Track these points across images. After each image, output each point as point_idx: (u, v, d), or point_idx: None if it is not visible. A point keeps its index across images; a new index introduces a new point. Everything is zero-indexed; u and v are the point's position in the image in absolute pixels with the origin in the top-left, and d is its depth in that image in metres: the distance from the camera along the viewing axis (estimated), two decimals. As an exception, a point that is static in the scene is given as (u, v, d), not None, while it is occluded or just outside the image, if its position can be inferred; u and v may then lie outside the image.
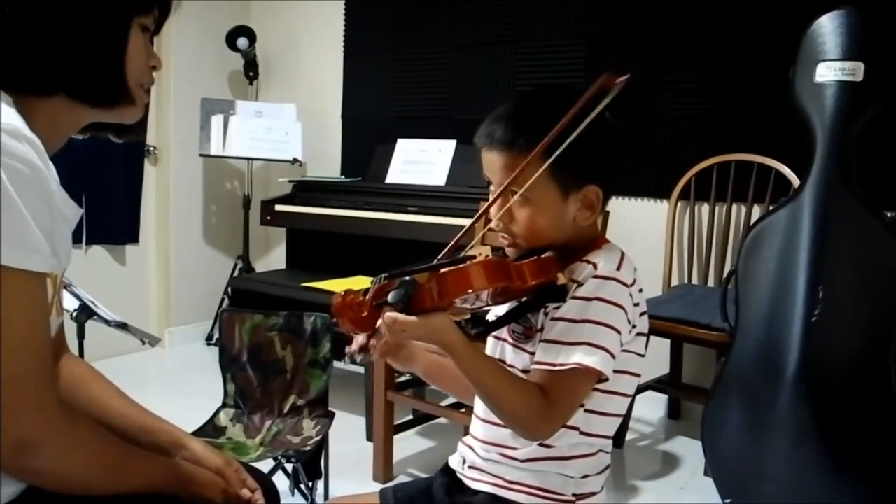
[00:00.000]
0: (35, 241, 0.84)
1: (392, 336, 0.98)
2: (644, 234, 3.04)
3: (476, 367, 1.01)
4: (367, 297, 0.96)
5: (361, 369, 2.64)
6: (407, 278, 0.94)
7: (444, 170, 3.24)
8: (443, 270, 0.96)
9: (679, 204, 2.96)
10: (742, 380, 2.10)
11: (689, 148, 2.94)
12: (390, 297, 0.93)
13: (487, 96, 3.38)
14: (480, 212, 1.10)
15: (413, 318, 0.96)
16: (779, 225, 2.03)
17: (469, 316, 1.07)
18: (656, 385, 2.83)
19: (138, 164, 3.76)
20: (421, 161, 3.33)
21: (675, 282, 2.97)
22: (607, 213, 2.09)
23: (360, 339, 1.00)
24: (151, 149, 3.82)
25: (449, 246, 1.06)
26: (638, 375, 1.11)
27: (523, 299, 1.07)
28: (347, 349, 1.01)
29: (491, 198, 1.11)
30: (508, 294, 1.04)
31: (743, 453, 2.07)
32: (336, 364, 2.04)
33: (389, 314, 0.96)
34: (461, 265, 0.97)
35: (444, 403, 2.48)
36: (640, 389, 2.74)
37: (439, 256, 1.04)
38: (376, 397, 2.39)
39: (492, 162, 1.08)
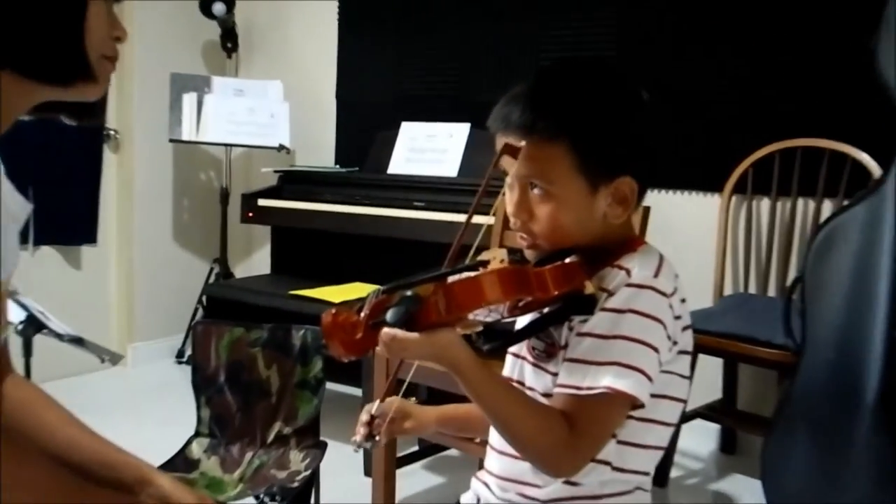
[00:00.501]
0: None
1: (391, 355, 0.99)
2: (691, 235, 3.03)
3: (487, 389, 1.01)
4: (362, 316, 0.96)
5: (359, 391, 2.65)
6: (408, 293, 0.95)
7: (455, 158, 3.25)
8: (450, 281, 0.96)
9: (733, 198, 2.95)
10: (810, 408, 2.09)
11: (745, 132, 2.93)
12: (388, 315, 0.94)
13: (506, 73, 3.39)
14: (474, 205, 1.10)
15: (414, 334, 0.96)
16: (855, 223, 2.03)
17: (481, 328, 1.08)
18: (706, 413, 2.83)
19: (96, 152, 3.79)
20: (429, 148, 3.34)
21: (728, 290, 2.96)
22: (646, 208, 2.08)
23: (362, 430, 1.03)
24: (112, 133, 3.85)
25: (453, 249, 1.06)
26: (682, 401, 1.11)
27: (545, 310, 1.07)
28: (352, 439, 1.04)
29: (507, 191, 1.11)
30: (528, 306, 1.04)
31: (812, 496, 2.06)
32: (329, 385, 2.05)
33: (388, 331, 0.97)
34: (472, 274, 0.97)
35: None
36: (687, 418, 2.74)
37: (445, 262, 1.05)
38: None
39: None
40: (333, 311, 0.95)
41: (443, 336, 0.98)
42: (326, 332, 0.94)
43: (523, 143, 1.05)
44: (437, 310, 0.96)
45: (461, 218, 2.92)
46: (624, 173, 1.07)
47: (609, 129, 1.04)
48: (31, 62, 0.95)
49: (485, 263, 1.02)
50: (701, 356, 2.51)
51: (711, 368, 2.88)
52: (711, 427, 3.01)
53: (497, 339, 1.10)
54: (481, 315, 1.03)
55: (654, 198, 3.05)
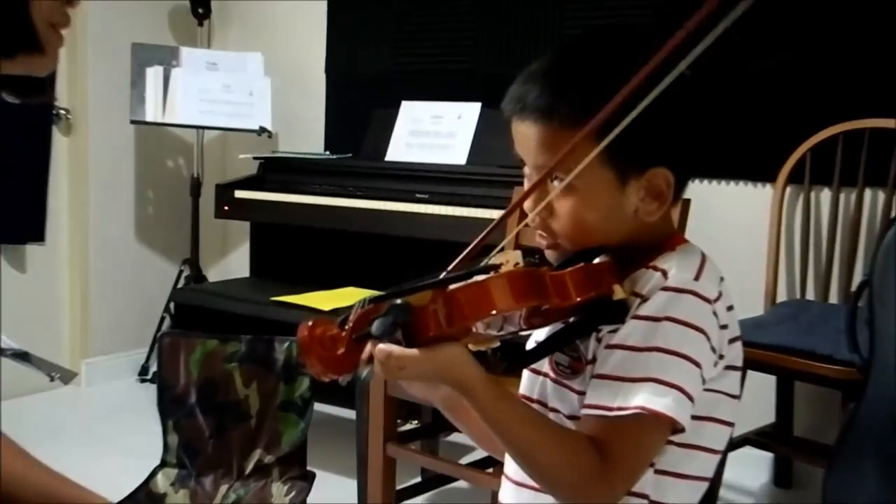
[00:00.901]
0: None
1: (387, 375, 0.98)
2: (738, 232, 3.03)
3: (501, 413, 1.01)
4: (346, 329, 0.96)
5: (352, 413, 2.65)
6: (398, 301, 0.94)
7: (464, 143, 3.25)
8: (452, 287, 0.96)
9: (788, 189, 2.94)
10: (879, 434, 2.08)
11: (803, 111, 2.92)
12: (374, 327, 0.94)
13: (525, 43, 3.39)
14: (512, 204, 1.10)
15: (412, 351, 0.96)
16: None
17: (497, 344, 1.07)
18: (757, 439, 2.82)
19: (44, 135, 3.76)
20: (433, 132, 3.34)
21: (782, 297, 2.96)
22: (687, 201, 2.08)
23: (367, 348, 1.00)
24: (63, 113, 3.85)
25: (467, 251, 1.05)
26: (730, 425, 1.10)
27: (570, 319, 1.07)
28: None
29: (526, 183, 1.11)
30: (547, 315, 1.04)
31: (880, 536, 2.05)
32: (318, 407, 2.05)
33: (382, 347, 0.96)
34: (477, 279, 0.97)
35: (464, 461, 2.48)
36: (735, 445, 2.73)
37: (450, 267, 1.04)
38: (372, 452, 2.40)
39: (524, 136, 1.08)
40: (310, 323, 0.94)
41: (446, 352, 0.98)
42: (303, 348, 0.94)
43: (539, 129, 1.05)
44: (437, 321, 0.95)
45: (471, 212, 2.93)
46: (658, 163, 1.07)
47: (641, 115, 1.03)
48: None
49: (496, 268, 1.02)
50: (751, 373, 2.50)
51: (763, 387, 2.87)
52: (763, 456, 3.00)
53: (515, 356, 1.09)
54: (493, 327, 1.03)
55: (695, 189, 3.04)
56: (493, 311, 0.96)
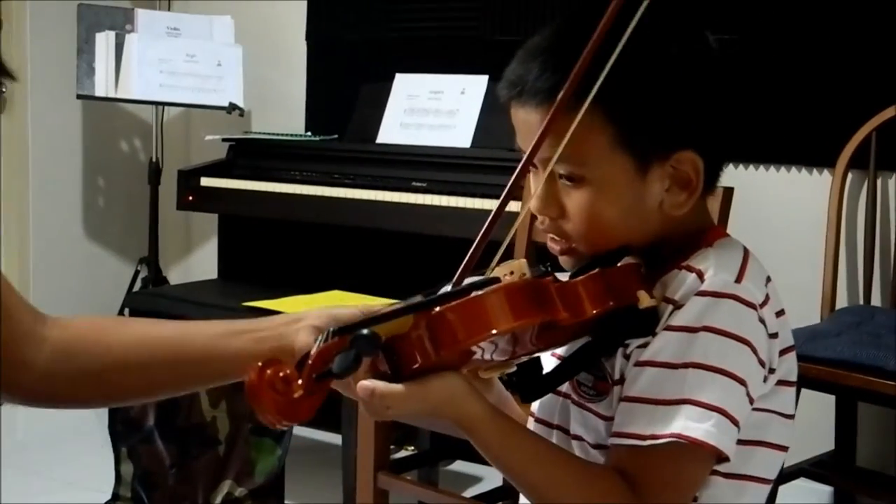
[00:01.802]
0: None
1: (373, 414, 0.99)
2: (792, 226, 3.03)
3: (512, 453, 1.01)
4: (304, 368, 0.94)
5: (337, 438, 2.65)
6: (364, 332, 0.93)
7: (468, 123, 3.25)
8: (437, 309, 0.95)
9: (850, 176, 2.94)
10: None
11: (867, 86, 2.93)
12: (335, 364, 0.92)
13: (538, 6, 3.38)
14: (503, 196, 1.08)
15: (398, 387, 0.96)
16: None
17: (513, 369, 1.06)
18: (813, 470, 2.82)
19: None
20: (433, 109, 3.34)
21: (842, 302, 2.96)
22: (728, 190, 2.08)
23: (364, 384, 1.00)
24: (-2, 87, 3.86)
25: (472, 253, 1.03)
26: (784, 449, 1.10)
27: (592, 335, 1.06)
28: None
29: (531, 179, 1.11)
30: (564, 332, 1.03)
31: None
32: (298, 430, 2.05)
33: (365, 384, 0.96)
34: (467, 296, 0.95)
35: (467, 493, 2.49)
36: (788, 476, 2.73)
37: (458, 272, 1.04)
38: (361, 483, 2.40)
39: (525, 124, 1.08)
40: (260, 364, 0.92)
41: (438, 385, 0.97)
42: (252, 395, 0.91)
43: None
44: (423, 349, 0.94)
45: (476, 203, 2.93)
46: (684, 146, 1.06)
47: (659, 88, 1.03)
48: None
49: (495, 282, 1.00)
50: (806, 393, 2.50)
51: (820, 409, 2.86)
52: (820, 489, 3.00)
53: (532, 384, 1.09)
54: (500, 351, 1.02)
55: (739, 176, 3.06)
56: (491, 333, 0.94)
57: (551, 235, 1.10)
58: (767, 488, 1.10)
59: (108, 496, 2.02)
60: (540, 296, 0.97)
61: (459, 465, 3.04)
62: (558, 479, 1.01)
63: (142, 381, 1.22)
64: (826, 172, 3.00)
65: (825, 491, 3.03)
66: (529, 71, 1.06)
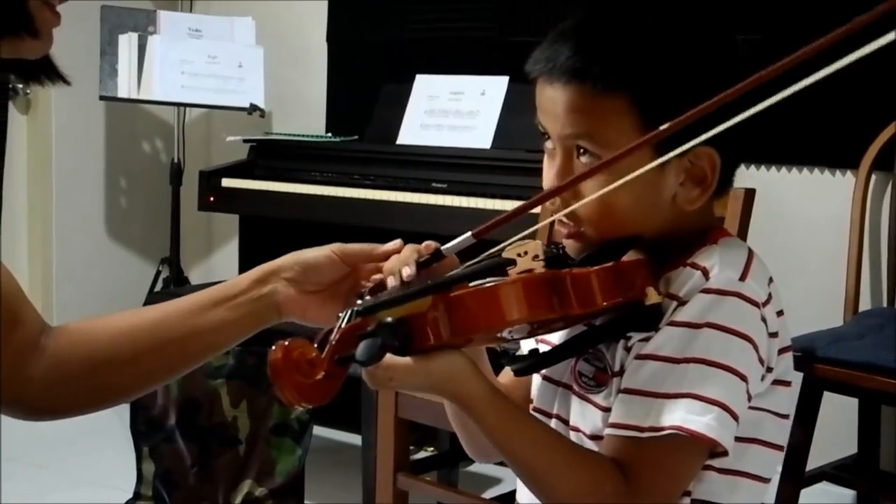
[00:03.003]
0: None
1: (374, 384, 1.00)
2: (814, 228, 3.01)
3: (510, 434, 1.02)
4: (326, 350, 0.96)
5: (357, 438, 2.65)
6: (389, 320, 0.94)
7: (489, 124, 3.24)
8: (456, 293, 0.97)
9: (874, 177, 2.93)
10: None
11: (889, 89, 2.91)
12: (358, 351, 0.93)
13: (558, 8, 3.38)
14: (541, 195, 1.09)
15: (404, 360, 0.97)
16: None
17: (509, 341, 1.08)
18: (836, 473, 2.80)
19: None
20: (453, 110, 3.34)
21: (865, 304, 2.94)
22: (750, 192, 2.07)
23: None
24: (20, 88, 3.88)
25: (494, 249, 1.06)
26: (779, 448, 1.11)
27: (595, 322, 1.08)
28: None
29: (546, 160, 1.12)
30: (569, 321, 1.05)
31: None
32: (318, 430, 2.06)
33: None
34: (486, 284, 0.97)
35: (487, 494, 2.48)
36: (811, 479, 2.71)
37: (467, 264, 1.05)
38: (380, 484, 2.40)
39: (551, 101, 1.09)
40: (286, 343, 0.94)
41: (442, 361, 0.99)
42: (275, 373, 0.93)
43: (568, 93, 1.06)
44: (437, 330, 0.96)
45: (496, 204, 2.92)
46: (703, 143, 1.06)
47: (684, 80, 1.04)
48: None
49: (510, 262, 1.03)
50: (829, 396, 2.49)
51: (843, 413, 2.85)
52: (843, 493, 2.98)
53: (530, 358, 1.11)
54: (505, 332, 1.04)
55: (761, 177, 3.04)
56: (504, 322, 0.97)
57: (561, 218, 1.11)
58: (764, 487, 1.11)
59: (130, 495, 2.03)
60: (556, 290, 0.99)
61: (479, 467, 3.04)
62: (555, 463, 1.02)
63: (134, 373, 1.22)
64: (849, 174, 2.99)
65: (848, 494, 3.01)
66: (560, 51, 1.08)
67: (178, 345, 1.20)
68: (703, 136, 0.95)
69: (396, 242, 1.18)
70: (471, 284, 0.98)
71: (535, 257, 1.04)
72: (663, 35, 1.06)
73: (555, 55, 1.08)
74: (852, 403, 2.84)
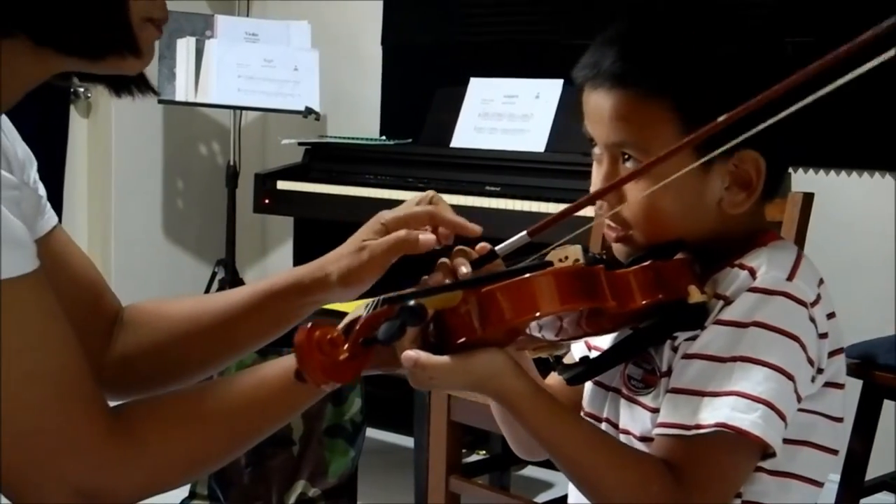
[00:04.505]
0: (18, 233, 0.94)
1: (418, 385, 1.01)
2: (866, 233, 2.98)
3: (555, 433, 1.02)
4: (351, 333, 0.98)
5: (409, 441, 2.66)
6: (410, 303, 0.95)
7: (543, 128, 3.24)
8: (487, 288, 0.98)
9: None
10: None
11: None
12: (381, 331, 0.95)
13: (613, 11, 3.36)
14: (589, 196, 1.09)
15: (443, 358, 0.98)
16: None
17: (563, 351, 1.09)
18: (894, 482, 2.77)
19: (59, 116, 3.82)
20: (507, 114, 3.34)
21: (924, 311, 2.90)
22: (808, 196, 2.05)
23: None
24: (81, 91, 3.91)
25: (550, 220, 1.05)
26: (833, 452, 1.10)
27: (640, 325, 1.07)
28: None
29: (594, 167, 1.13)
30: (613, 319, 1.05)
31: None
32: (370, 432, 2.06)
33: (409, 354, 0.99)
34: (517, 276, 0.98)
35: (539, 498, 2.48)
36: (869, 489, 2.68)
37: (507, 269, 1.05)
38: (432, 486, 2.40)
39: (597, 107, 1.10)
40: (309, 325, 0.97)
41: (482, 359, 0.99)
42: (300, 352, 0.96)
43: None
44: (470, 324, 0.98)
45: (550, 208, 2.92)
46: (748, 146, 1.06)
47: (727, 86, 1.04)
48: (51, 28, 0.97)
49: (548, 265, 1.03)
50: (888, 404, 2.46)
51: (897, 420, 2.81)
52: (899, 502, 2.95)
53: (581, 366, 1.11)
54: (546, 330, 1.04)
55: (810, 182, 3.00)
56: (536, 314, 0.97)
57: (608, 222, 1.12)
58: (816, 490, 1.10)
59: (186, 493, 2.05)
60: (589, 283, 1.00)
61: (531, 470, 3.03)
62: (601, 463, 1.02)
63: (209, 348, 1.25)
64: (904, 177, 2.96)
65: (905, 505, 2.97)
66: (604, 57, 1.09)
67: (249, 320, 1.23)
68: (742, 137, 0.95)
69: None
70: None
71: (576, 261, 1.05)
72: (708, 41, 1.07)
73: (599, 61, 1.09)
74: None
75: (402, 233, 1.17)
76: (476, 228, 1.16)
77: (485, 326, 0.97)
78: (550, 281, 0.97)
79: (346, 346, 0.97)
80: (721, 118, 0.93)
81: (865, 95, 2.96)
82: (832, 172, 3.04)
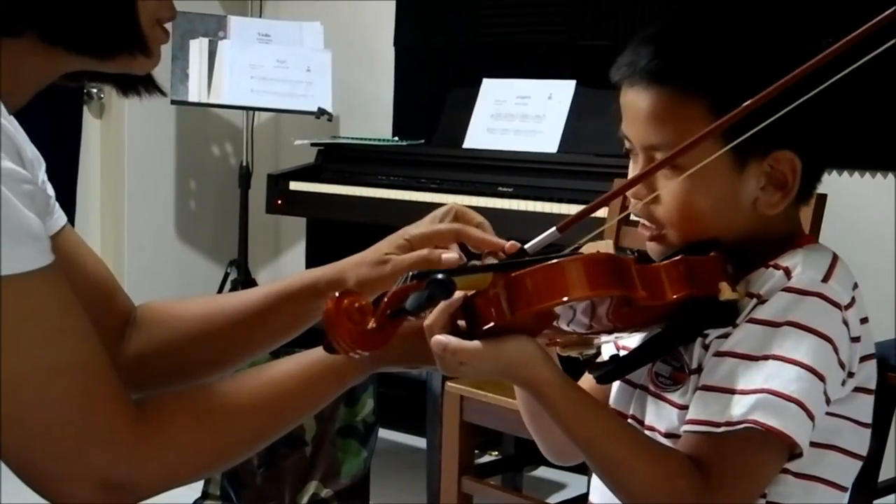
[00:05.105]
0: (34, 227, 0.94)
1: (446, 370, 1.02)
2: (873, 234, 2.97)
3: (583, 425, 1.02)
4: (380, 304, 0.99)
5: (422, 441, 2.66)
6: (439, 276, 0.96)
7: (555, 128, 3.23)
8: (517, 272, 0.98)
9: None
10: None
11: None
12: (409, 301, 0.96)
13: (626, 12, 3.36)
14: (612, 191, 1.09)
15: (474, 343, 0.98)
16: None
17: (593, 350, 1.09)
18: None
19: (73, 117, 3.85)
20: (520, 115, 3.33)
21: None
22: (822, 197, 2.04)
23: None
24: (94, 92, 3.93)
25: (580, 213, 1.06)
26: (860, 458, 1.10)
27: (671, 323, 1.07)
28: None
29: (630, 167, 1.13)
30: (642, 314, 1.05)
31: None
32: (383, 433, 2.06)
33: (439, 339, 0.99)
34: (546, 262, 0.98)
35: (552, 499, 2.47)
36: (885, 490, 2.67)
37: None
38: (445, 487, 2.40)
39: (633, 106, 1.10)
40: (338, 293, 0.98)
41: (512, 345, 1.00)
42: (329, 320, 0.97)
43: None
44: (500, 307, 0.98)
45: (562, 209, 2.92)
46: (784, 146, 1.07)
47: (765, 84, 1.03)
48: (60, 26, 0.99)
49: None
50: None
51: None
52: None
53: (611, 364, 1.11)
54: (575, 323, 1.04)
55: (833, 183, 2.97)
56: (564, 298, 0.97)
57: (643, 222, 1.12)
58: (841, 495, 1.10)
59: (199, 494, 2.05)
60: (620, 271, 1.00)
61: (543, 471, 3.03)
62: (628, 457, 1.02)
63: (223, 347, 1.25)
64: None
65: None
66: (641, 55, 1.09)
67: (263, 321, 1.24)
68: (766, 122, 0.96)
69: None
70: None
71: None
72: (744, 40, 1.07)
73: (636, 60, 1.09)
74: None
75: (425, 251, 1.17)
76: (503, 244, 1.16)
77: (514, 310, 0.97)
78: (580, 266, 0.98)
79: (374, 316, 0.98)
80: (747, 102, 0.94)
81: (870, 95, 2.96)
82: (844, 174, 3.03)
